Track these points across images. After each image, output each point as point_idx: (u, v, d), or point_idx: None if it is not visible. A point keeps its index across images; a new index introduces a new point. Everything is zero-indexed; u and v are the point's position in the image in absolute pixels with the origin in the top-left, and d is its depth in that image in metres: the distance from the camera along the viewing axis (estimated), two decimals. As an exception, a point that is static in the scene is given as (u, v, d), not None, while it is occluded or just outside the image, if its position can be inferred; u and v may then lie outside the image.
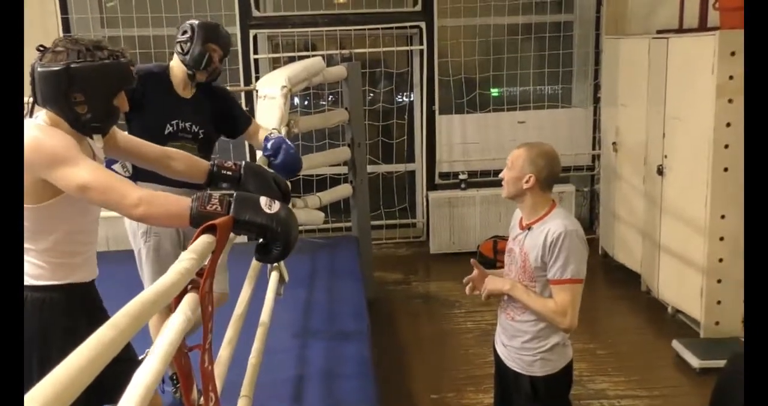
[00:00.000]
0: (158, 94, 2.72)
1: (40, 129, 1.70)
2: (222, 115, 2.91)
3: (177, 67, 2.76)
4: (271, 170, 2.22)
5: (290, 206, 4.38)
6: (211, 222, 1.37)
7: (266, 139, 2.62)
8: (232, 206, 1.47)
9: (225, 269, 2.79)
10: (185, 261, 1.18)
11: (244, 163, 1.98)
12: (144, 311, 0.94)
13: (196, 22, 2.74)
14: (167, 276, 1.11)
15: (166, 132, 2.71)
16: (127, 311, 0.90)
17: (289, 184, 2.10)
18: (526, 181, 2.26)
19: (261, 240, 1.52)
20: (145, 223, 1.63)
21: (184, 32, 2.73)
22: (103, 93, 1.75)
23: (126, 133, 2.08)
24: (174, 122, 2.72)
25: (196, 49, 2.69)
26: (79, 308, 1.88)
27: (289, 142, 2.58)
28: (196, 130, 2.78)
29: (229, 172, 1.96)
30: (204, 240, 1.32)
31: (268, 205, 1.48)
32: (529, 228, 2.31)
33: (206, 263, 1.33)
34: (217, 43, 2.73)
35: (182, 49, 2.71)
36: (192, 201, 1.51)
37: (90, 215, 1.91)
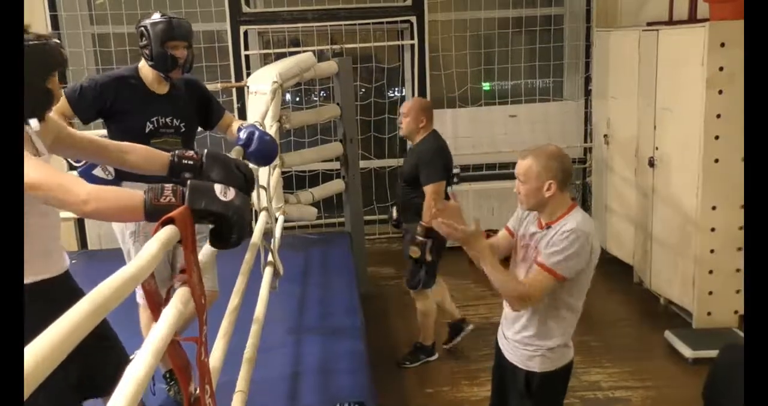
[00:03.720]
0: (131, 95, 2.70)
1: None
2: (198, 105, 2.90)
3: (146, 67, 2.74)
4: (234, 156, 2.20)
5: (285, 201, 4.40)
6: (168, 215, 1.34)
7: (239, 129, 2.60)
8: (186, 196, 1.43)
9: (213, 267, 2.78)
10: (151, 246, 1.14)
11: (205, 151, 1.94)
12: (109, 297, 0.92)
13: (149, 22, 2.69)
14: (134, 261, 1.07)
15: (147, 130, 2.69)
16: (91, 297, 0.87)
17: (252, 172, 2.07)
18: (548, 189, 2.20)
19: (214, 227, 1.49)
20: (98, 219, 1.59)
21: (141, 36, 2.70)
22: (32, 76, 1.71)
23: (76, 130, 2.04)
24: (153, 119, 2.71)
25: (156, 52, 2.66)
26: (50, 308, 1.85)
27: (263, 129, 2.55)
28: (177, 123, 2.77)
29: (190, 162, 1.91)
30: (165, 230, 1.28)
31: (223, 192, 1.46)
32: (548, 227, 2.26)
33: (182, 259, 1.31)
34: (174, 39, 2.68)
35: (147, 55, 2.70)
36: (144, 194, 1.47)
37: (46, 209, 1.87)
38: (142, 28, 2.70)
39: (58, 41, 1.79)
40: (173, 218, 1.30)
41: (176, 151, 1.96)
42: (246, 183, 1.86)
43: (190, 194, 1.44)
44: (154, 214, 1.42)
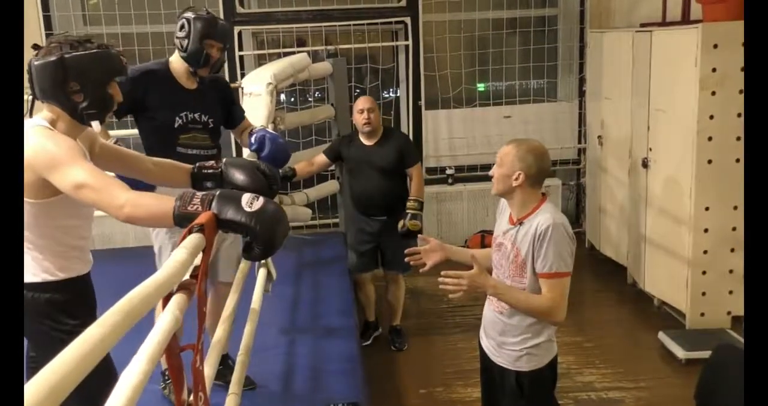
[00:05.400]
0: (161, 90, 2.71)
1: (44, 134, 1.78)
2: (224, 102, 2.92)
3: (178, 61, 2.75)
4: (255, 160, 2.22)
5: (279, 202, 4.39)
6: (197, 221, 1.36)
7: (250, 134, 2.62)
8: (214, 204, 1.46)
9: (236, 260, 2.78)
10: (179, 254, 1.17)
11: (225, 159, 1.99)
12: (140, 305, 0.94)
13: (192, 15, 2.69)
14: (163, 270, 1.10)
15: (176, 125, 2.70)
16: (121, 306, 0.91)
17: (277, 172, 2.09)
18: (515, 179, 2.25)
19: (247, 238, 1.51)
20: (132, 224, 1.67)
21: (182, 27, 2.69)
22: (97, 80, 1.84)
23: (105, 141, 2.10)
24: (183, 114, 2.71)
25: (193, 47, 2.66)
26: (80, 307, 1.94)
27: (273, 132, 2.57)
28: (205, 119, 2.77)
29: (211, 171, 1.96)
30: (193, 237, 1.31)
31: (250, 202, 1.47)
32: (520, 223, 2.30)
33: (199, 264, 1.33)
34: (213, 38, 2.69)
35: (181, 46, 2.69)
36: (175, 201, 1.52)
37: (86, 210, 1.98)
38: (184, 20, 2.70)
39: (118, 49, 1.92)
40: (203, 225, 1.35)
41: (197, 163, 2.02)
42: (269, 183, 1.90)
43: (217, 203, 1.47)
44: (181, 221, 1.48)
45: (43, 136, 1.76)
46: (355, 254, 4.23)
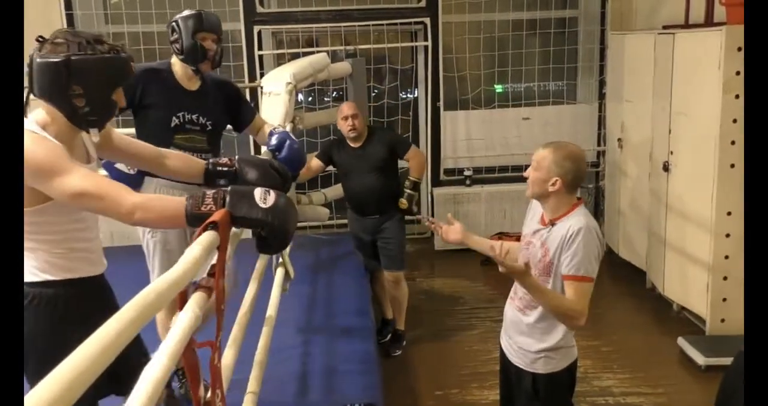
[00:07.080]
0: (160, 88, 2.72)
1: (30, 139, 1.64)
2: (229, 106, 2.92)
3: (178, 63, 2.77)
4: (267, 158, 2.22)
5: (297, 201, 4.40)
6: (211, 219, 1.36)
7: (271, 133, 2.63)
8: (227, 202, 1.45)
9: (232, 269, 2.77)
10: (194, 250, 1.18)
11: (238, 157, 1.98)
12: (155, 302, 0.94)
13: (179, 16, 2.73)
14: (178, 266, 1.10)
15: (173, 125, 2.71)
16: (137, 302, 0.91)
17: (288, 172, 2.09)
18: (552, 184, 2.23)
19: (260, 233, 1.51)
20: (144, 227, 1.63)
21: (173, 31, 2.73)
22: (102, 87, 1.72)
23: (120, 133, 2.07)
24: (180, 115, 2.72)
25: (187, 44, 2.69)
26: (87, 304, 1.89)
27: (294, 138, 2.58)
28: (203, 121, 2.78)
29: (225, 168, 1.95)
30: (207, 234, 1.31)
31: (263, 198, 1.46)
32: (552, 224, 2.28)
33: (215, 262, 1.33)
34: (204, 30, 2.71)
35: (177, 49, 2.73)
36: (186, 200, 1.50)
37: (86, 212, 1.88)
38: (173, 24, 2.73)
39: (129, 54, 1.78)
40: (216, 223, 1.34)
41: (211, 160, 1.99)
42: (282, 181, 1.89)
43: (231, 201, 1.46)
44: (194, 221, 1.46)
45: (30, 142, 1.62)
46: (360, 254, 4.29)
